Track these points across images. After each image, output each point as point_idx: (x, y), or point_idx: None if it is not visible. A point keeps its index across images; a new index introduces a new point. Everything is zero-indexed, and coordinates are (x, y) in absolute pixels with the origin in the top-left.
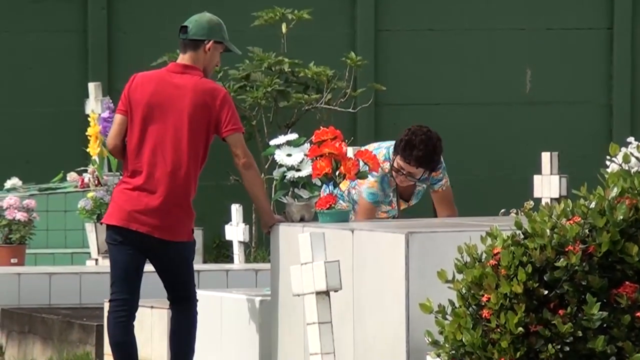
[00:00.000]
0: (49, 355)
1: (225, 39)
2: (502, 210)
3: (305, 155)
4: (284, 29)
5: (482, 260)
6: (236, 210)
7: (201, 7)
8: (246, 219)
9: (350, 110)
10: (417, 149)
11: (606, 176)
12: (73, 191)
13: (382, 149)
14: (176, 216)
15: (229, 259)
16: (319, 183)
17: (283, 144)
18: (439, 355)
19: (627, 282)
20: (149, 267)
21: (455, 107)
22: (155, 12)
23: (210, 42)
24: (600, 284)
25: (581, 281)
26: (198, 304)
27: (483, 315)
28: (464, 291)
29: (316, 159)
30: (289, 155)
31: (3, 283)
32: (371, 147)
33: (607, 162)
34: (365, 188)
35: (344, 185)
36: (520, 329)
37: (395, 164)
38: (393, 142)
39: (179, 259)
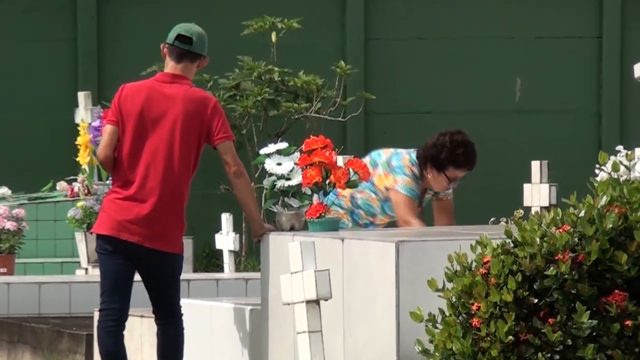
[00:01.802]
0: None
1: None
2: (492, 219)
3: (295, 164)
4: (273, 38)
5: (472, 269)
6: (226, 219)
7: (191, 16)
8: (236, 228)
9: (340, 119)
10: (466, 153)
11: (595, 185)
12: (63, 200)
13: (404, 154)
14: (167, 225)
15: (219, 268)
16: (309, 192)
17: (273, 152)
18: None
19: (616, 291)
20: (139, 277)
21: (445, 116)
22: (145, 21)
23: (206, 60)
24: (589, 292)
25: (571, 290)
26: (189, 312)
27: (473, 324)
28: (454, 300)
29: (306, 167)
30: (279, 164)
31: None
32: (386, 152)
33: (597, 171)
34: (402, 185)
35: (347, 192)
36: (510, 337)
37: (451, 176)
38: (406, 150)
39: (167, 271)
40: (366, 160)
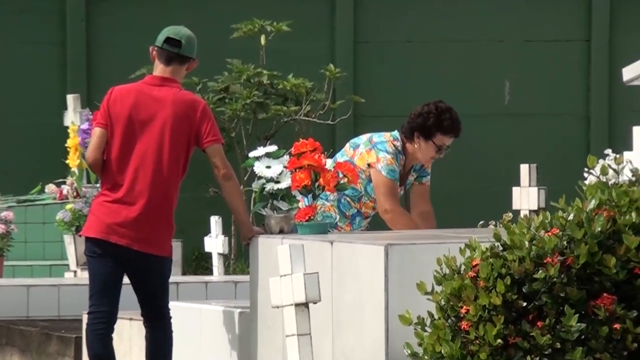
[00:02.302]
0: None
1: None
2: (481, 222)
3: (285, 167)
4: (262, 41)
5: (461, 272)
6: (215, 222)
7: (180, 19)
8: (225, 231)
9: (329, 122)
10: (452, 118)
11: (584, 188)
12: (52, 203)
13: (386, 133)
14: (156, 228)
15: (208, 270)
16: (298, 195)
17: (262, 155)
18: None
19: (605, 294)
20: (128, 279)
21: None
22: (133, 24)
23: (196, 62)
24: (578, 295)
25: (559, 293)
26: (178, 315)
27: (462, 327)
28: (443, 303)
29: (295, 170)
30: (268, 167)
31: None
32: (364, 137)
33: (585, 174)
34: (384, 166)
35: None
36: (499, 340)
37: (439, 143)
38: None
39: (155, 274)
40: (345, 147)
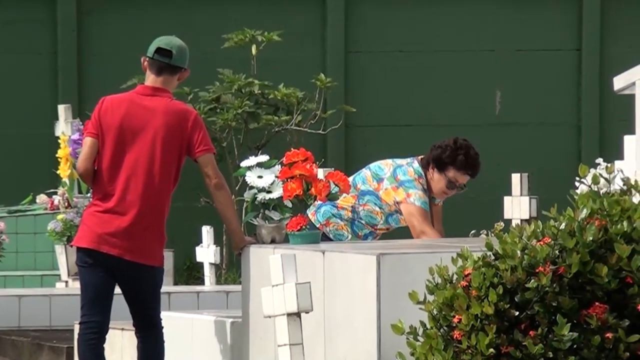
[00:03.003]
0: None
1: None
2: (473, 232)
3: (276, 177)
4: (253, 51)
5: (453, 282)
6: (207, 232)
7: (171, 29)
8: (217, 241)
9: (320, 131)
10: (471, 158)
11: (576, 197)
12: (43, 213)
13: (407, 167)
14: (147, 238)
15: (200, 280)
16: (290, 205)
17: (254, 165)
18: None
19: (597, 303)
20: (119, 289)
21: (425, 129)
22: (125, 34)
23: (187, 72)
24: (570, 304)
25: (552, 302)
26: (170, 325)
27: (454, 337)
28: (435, 312)
29: (287, 180)
30: (260, 177)
31: None
32: (387, 165)
33: (577, 184)
34: (417, 198)
35: (347, 203)
36: (492, 350)
37: (451, 178)
38: (404, 160)
39: (147, 284)
40: (367, 174)
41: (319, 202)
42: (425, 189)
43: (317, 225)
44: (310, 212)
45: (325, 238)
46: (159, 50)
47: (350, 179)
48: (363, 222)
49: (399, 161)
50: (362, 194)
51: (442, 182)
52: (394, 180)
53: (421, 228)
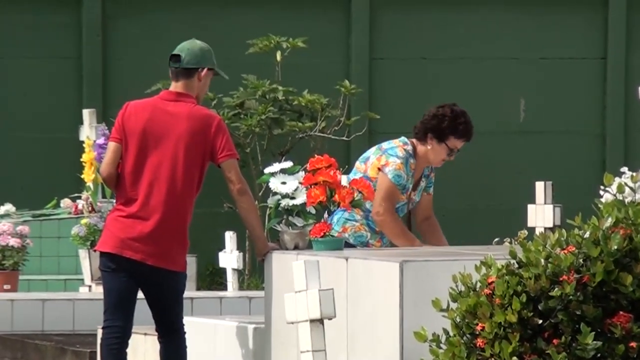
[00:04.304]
0: None
1: (215, 64)
2: (496, 240)
3: (300, 183)
4: (278, 57)
5: (477, 289)
6: (230, 237)
7: (196, 35)
8: (240, 247)
9: (344, 138)
10: (466, 123)
11: (600, 206)
12: (67, 217)
13: (395, 139)
14: (170, 243)
15: (223, 286)
16: (313, 211)
17: (277, 171)
18: None
19: (621, 312)
20: (142, 294)
21: None
22: (149, 39)
23: (204, 70)
24: (594, 313)
25: (575, 311)
26: (193, 330)
27: (477, 344)
28: (458, 320)
29: (310, 187)
30: (284, 183)
31: None
32: (372, 148)
33: (601, 192)
34: (391, 169)
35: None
36: (515, 358)
37: (451, 146)
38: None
39: (170, 289)
40: (356, 164)
41: (326, 215)
42: (411, 155)
43: (335, 235)
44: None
45: (348, 245)
46: (171, 56)
47: (345, 179)
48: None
49: (389, 142)
50: None
51: (443, 152)
52: (379, 151)
53: (379, 208)
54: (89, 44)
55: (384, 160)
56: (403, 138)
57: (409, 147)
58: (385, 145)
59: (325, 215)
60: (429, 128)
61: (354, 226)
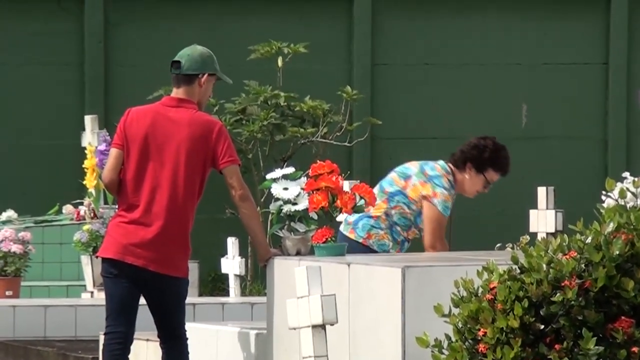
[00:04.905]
0: None
1: (217, 70)
2: (498, 245)
3: (302, 189)
4: (280, 63)
5: (479, 295)
6: (232, 243)
7: (197, 40)
8: (242, 252)
9: (346, 144)
10: (507, 157)
11: (602, 211)
12: (69, 224)
13: (435, 163)
14: (172, 249)
15: (225, 292)
16: (315, 217)
17: (279, 177)
18: None
19: (623, 317)
20: (144, 300)
21: (451, 142)
22: (151, 46)
23: (205, 76)
24: (596, 318)
25: (577, 316)
26: (195, 336)
27: (479, 350)
28: (460, 325)
29: (313, 192)
30: (286, 188)
31: None
32: (414, 165)
33: (603, 197)
34: (440, 201)
35: (379, 210)
36: None
37: (488, 178)
38: (434, 161)
39: (172, 295)
40: (393, 176)
41: (350, 216)
42: (452, 186)
43: (360, 241)
44: (347, 231)
45: (371, 251)
46: (172, 63)
47: (377, 187)
48: (398, 227)
49: (427, 162)
50: (391, 196)
51: (479, 183)
52: (422, 176)
53: (435, 243)
54: (91, 50)
55: (430, 190)
56: (443, 163)
57: (451, 177)
58: (429, 171)
59: (350, 218)
60: (468, 157)
61: (378, 234)
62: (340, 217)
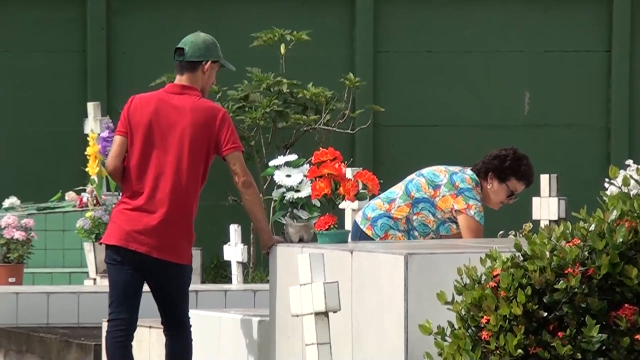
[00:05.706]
0: None
1: (221, 57)
2: (501, 232)
3: (305, 176)
4: (282, 50)
5: (482, 282)
6: (234, 230)
7: (200, 27)
8: (245, 240)
9: (348, 131)
10: (529, 166)
11: (605, 199)
12: (71, 210)
13: (464, 175)
14: (175, 236)
15: (227, 279)
16: (318, 204)
17: (282, 164)
18: None
19: (626, 305)
20: (147, 287)
21: (453, 129)
22: (154, 32)
23: (208, 63)
24: (599, 306)
25: (580, 303)
26: (197, 323)
27: (482, 337)
28: (463, 313)
29: (315, 179)
30: (288, 176)
31: (1, 302)
32: (441, 172)
33: (606, 185)
34: (477, 212)
35: (401, 213)
36: (520, 351)
37: (512, 188)
38: (457, 167)
39: (175, 282)
40: (421, 181)
41: (368, 210)
42: (481, 198)
43: (377, 240)
44: (365, 227)
45: None
46: (175, 50)
47: (401, 185)
48: (417, 232)
49: (451, 168)
50: (416, 202)
51: (502, 193)
52: (453, 188)
53: None
54: (94, 37)
55: (463, 203)
56: (472, 174)
57: (479, 189)
58: (459, 183)
59: (369, 213)
60: (490, 168)
61: (395, 235)
62: (353, 206)
